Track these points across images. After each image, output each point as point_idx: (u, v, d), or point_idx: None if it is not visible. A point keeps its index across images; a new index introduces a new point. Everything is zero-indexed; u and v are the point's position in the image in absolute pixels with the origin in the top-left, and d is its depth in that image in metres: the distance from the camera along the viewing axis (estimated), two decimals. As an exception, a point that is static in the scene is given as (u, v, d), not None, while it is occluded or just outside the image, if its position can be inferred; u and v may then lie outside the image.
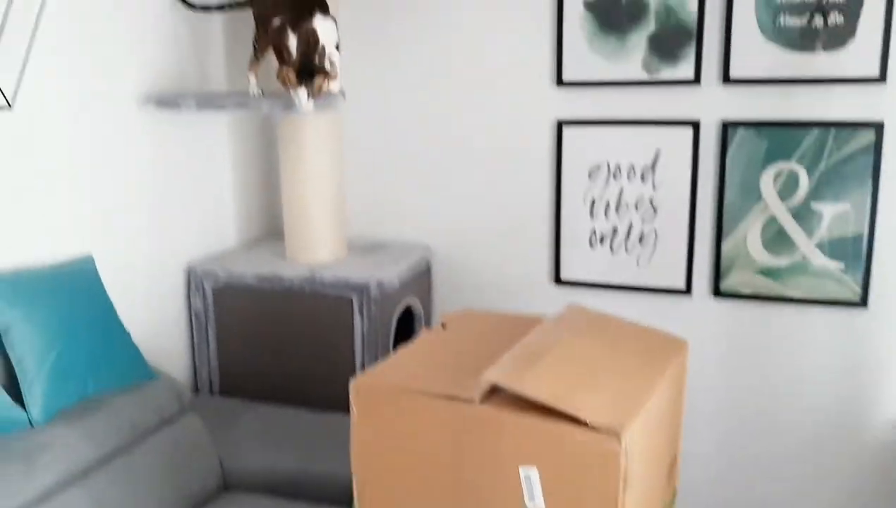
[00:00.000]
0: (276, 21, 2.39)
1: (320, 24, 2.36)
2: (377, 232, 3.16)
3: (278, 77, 2.33)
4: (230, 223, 3.13)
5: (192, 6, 2.64)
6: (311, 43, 2.32)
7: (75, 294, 2.23)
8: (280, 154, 2.85)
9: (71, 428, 2.02)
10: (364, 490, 1.67)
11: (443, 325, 1.97)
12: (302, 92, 2.31)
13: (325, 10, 2.41)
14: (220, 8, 2.70)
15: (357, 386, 1.63)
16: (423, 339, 1.92)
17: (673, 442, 1.86)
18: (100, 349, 2.20)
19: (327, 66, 2.31)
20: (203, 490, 2.30)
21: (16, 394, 2.01)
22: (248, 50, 2.63)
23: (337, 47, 2.41)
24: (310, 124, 2.76)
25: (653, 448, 1.64)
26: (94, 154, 2.45)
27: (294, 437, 2.46)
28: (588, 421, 1.43)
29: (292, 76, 2.32)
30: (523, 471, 1.50)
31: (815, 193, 2.59)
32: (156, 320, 2.75)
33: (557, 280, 2.95)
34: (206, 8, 2.74)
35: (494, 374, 1.54)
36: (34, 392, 2.01)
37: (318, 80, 2.32)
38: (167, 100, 2.61)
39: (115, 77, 2.52)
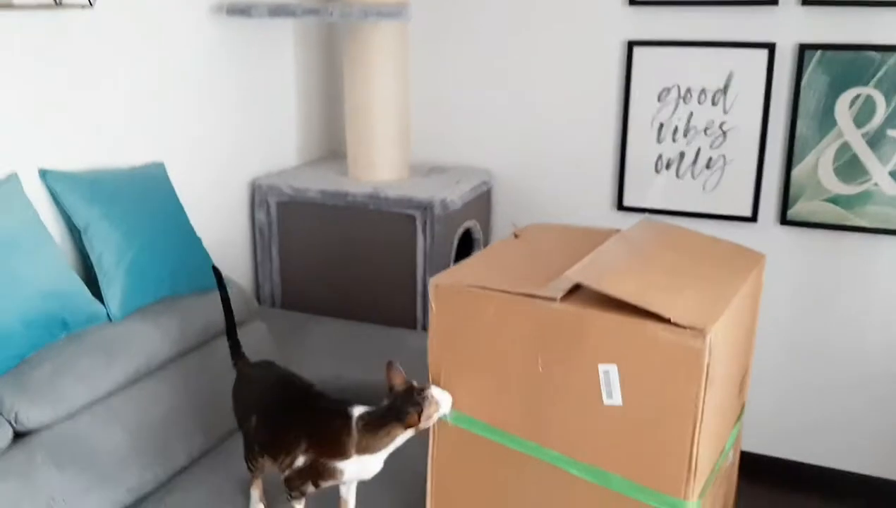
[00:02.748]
0: None
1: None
2: (438, 155, 3.15)
3: None
4: (292, 141, 3.15)
5: None
6: None
7: (149, 197, 2.27)
8: (345, 69, 2.84)
9: (148, 325, 2.08)
10: (440, 385, 1.69)
11: (515, 235, 1.97)
12: None
13: None
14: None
15: (437, 284, 1.65)
16: (496, 247, 1.92)
17: (746, 355, 1.85)
18: (173, 251, 2.24)
19: None
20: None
21: (93, 292, 2.07)
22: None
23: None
24: (376, 37, 2.74)
25: (731, 355, 1.64)
26: (166, 59, 2.47)
27: (359, 349, 2.50)
28: (672, 319, 1.43)
29: None
30: (602, 368, 1.51)
31: (893, 120, 2.51)
32: (219, 233, 2.78)
33: (620, 206, 2.92)
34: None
35: (576, 274, 1.54)
36: (113, 288, 2.06)
37: None
38: (239, 8, 2.60)
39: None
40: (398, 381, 1.63)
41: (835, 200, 2.64)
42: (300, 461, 1.65)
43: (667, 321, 1.43)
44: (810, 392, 2.82)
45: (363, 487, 1.77)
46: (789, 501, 2.81)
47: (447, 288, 1.64)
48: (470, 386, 1.67)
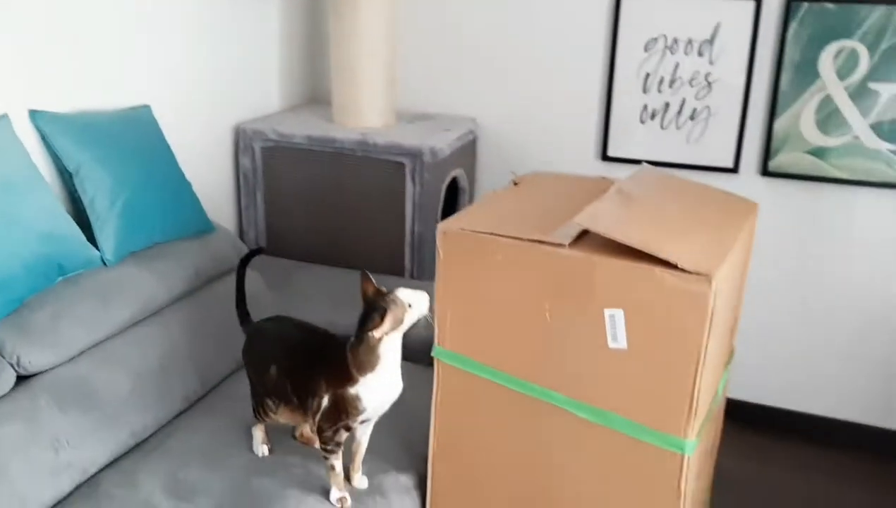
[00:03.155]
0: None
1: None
2: (423, 103, 3.14)
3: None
4: (274, 86, 3.10)
5: None
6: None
7: (139, 141, 2.23)
8: (332, 14, 2.79)
9: (142, 270, 2.07)
10: (446, 330, 1.72)
11: (514, 183, 1.99)
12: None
13: None
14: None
15: (444, 230, 1.66)
16: (497, 195, 1.94)
17: (739, 301, 1.91)
18: (165, 196, 2.22)
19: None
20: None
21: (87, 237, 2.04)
22: None
23: None
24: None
25: (728, 300, 1.69)
26: (146, 3, 2.41)
27: (349, 295, 2.48)
28: (679, 264, 1.46)
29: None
30: (608, 312, 1.55)
31: (875, 73, 2.57)
32: (203, 178, 2.73)
33: (604, 156, 2.95)
34: None
35: (585, 220, 1.57)
36: (106, 232, 2.03)
37: None
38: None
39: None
40: (370, 291, 1.65)
41: (815, 152, 2.70)
42: (325, 401, 1.67)
43: (674, 266, 1.47)
44: (789, 339, 2.92)
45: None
46: (770, 445, 2.92)
47: (455, 235, 1.66)
48: (476, 330, 1.70)
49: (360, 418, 1.69)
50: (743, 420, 2.82)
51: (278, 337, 1.84)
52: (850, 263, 2.78)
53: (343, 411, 1.67)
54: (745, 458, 2.75)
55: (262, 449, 1.85)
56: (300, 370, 1.74)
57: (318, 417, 1.69)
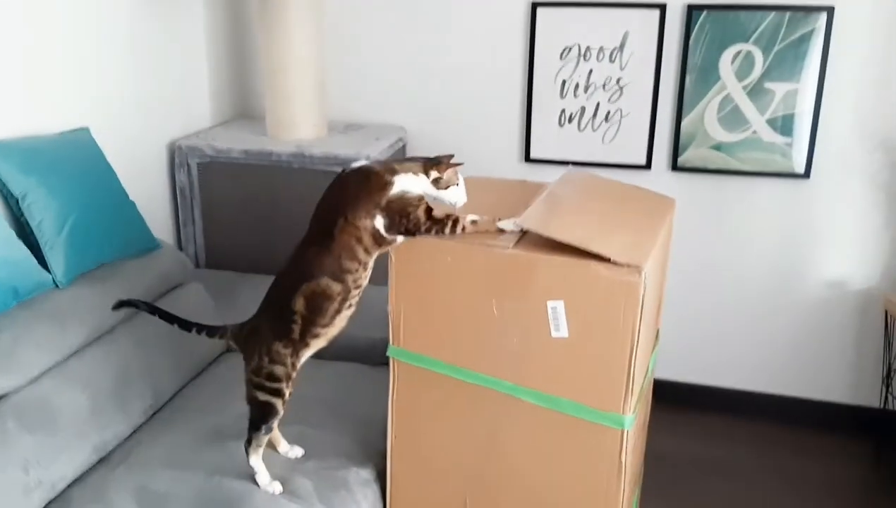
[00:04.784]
0: None
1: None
2: (351, 113, 3.24)
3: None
4: (205, 103, 3.15)
5: None
6: None
7: (81, 163, 2.27)
8: (261, 28, 2.87)
9: (94, 290, 2.11)
10: (400, 329, 1.84)
11: (452, 189, 2.12)
12: None
13: None
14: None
15: (395, 237, 1.78)
16: (438, 200, 2.06)
17: (662, 287, 2.10)
18: (110, 217, 2.26)
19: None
20: (211, 351, 2.43)
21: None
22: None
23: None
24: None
25: (655, 287, 1.86)
26: (78, 21, 2.44)
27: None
28: (612, 258, 1.63)
29: None
30: (550, 304, 1.70)
31: (769, 73, 2.81)
32: (140, 197, 2.77)
33: (527, 158, 3.12)
34: None
35: (525, 222, 1.71)
36: (56, 255, 2.06)
37: None
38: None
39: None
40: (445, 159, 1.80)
41: (719, 147, 2.93)
42: (379, 220, 1.73)
43: (607, 260, 1.63)
44: (702, 319, 3.15)
45: (324, 430, 1.90)
46: (687, 418, 3.15)
47: (407, 240, 1.78)
48: (428, 328, 1.82)
49: (419, 209, 1.74)
50: (662, 397, 3.04)
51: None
52: (752, 246, 3.03)
53: (402, 210, 1.73)
54: (668, 433, 2.96)
55: (274, 486, 1.84)
56: (327, 239, 1.80)
57: (375, 249, 1.75)
